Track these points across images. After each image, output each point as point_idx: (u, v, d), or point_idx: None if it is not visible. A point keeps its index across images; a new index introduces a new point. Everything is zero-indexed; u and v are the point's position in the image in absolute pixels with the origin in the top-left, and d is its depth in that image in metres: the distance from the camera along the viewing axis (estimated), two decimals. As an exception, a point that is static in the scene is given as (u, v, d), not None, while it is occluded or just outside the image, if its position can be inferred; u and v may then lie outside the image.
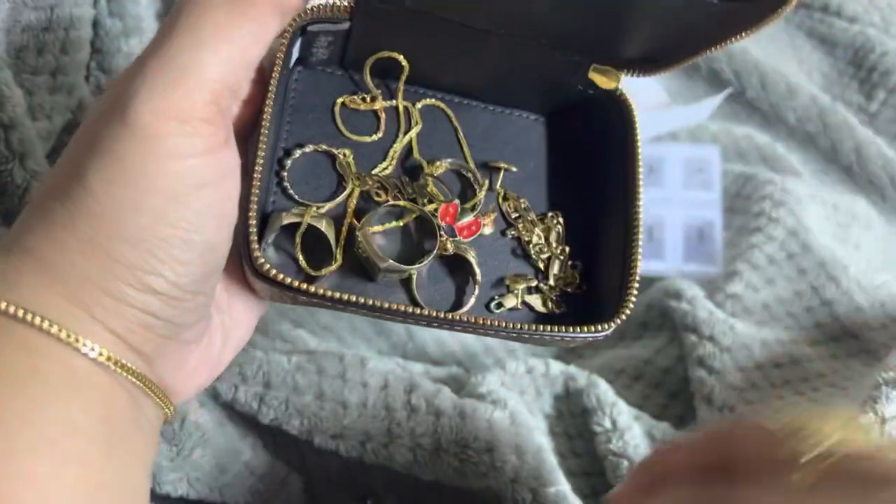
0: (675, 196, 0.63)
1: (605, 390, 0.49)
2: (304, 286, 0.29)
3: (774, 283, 0.57)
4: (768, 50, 0.70)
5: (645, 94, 0.65)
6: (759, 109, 0.69)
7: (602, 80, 0.33)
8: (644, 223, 0.32)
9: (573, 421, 0.49)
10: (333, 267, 0.31)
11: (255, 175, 0.28)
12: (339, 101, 0.34)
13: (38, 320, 0.24)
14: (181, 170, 0.25)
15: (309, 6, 0.30)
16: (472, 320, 0.30)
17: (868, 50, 0.70)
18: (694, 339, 0.53)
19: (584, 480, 0.45)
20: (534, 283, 0.34)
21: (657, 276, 0.60)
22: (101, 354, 0.25)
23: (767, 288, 0.57)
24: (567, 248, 0.35)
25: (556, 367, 0.50)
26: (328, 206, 0.32)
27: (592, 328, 0.31)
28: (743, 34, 0.29)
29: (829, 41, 0.72)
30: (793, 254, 0.57)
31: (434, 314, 0.30)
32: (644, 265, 0.65)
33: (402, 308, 0.29)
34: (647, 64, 0.32)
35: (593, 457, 0.47)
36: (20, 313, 0.24)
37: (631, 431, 0.47)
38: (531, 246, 0.34)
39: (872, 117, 0.69)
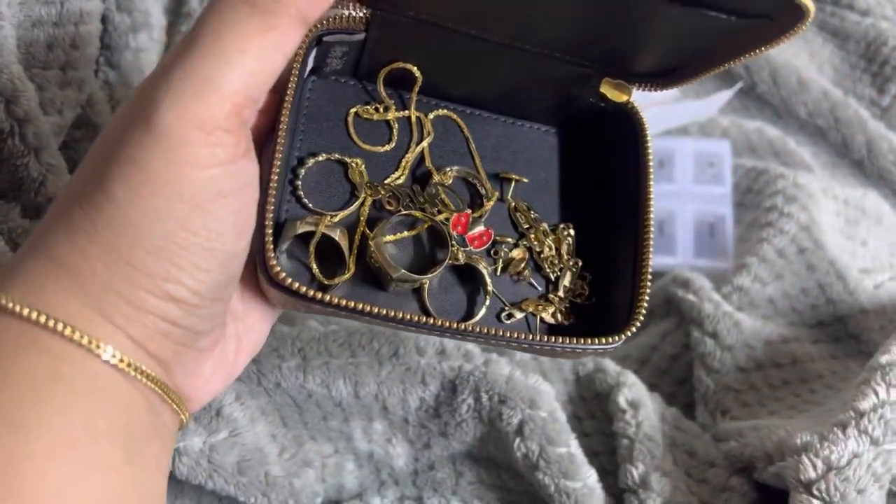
0: (685, 191, 0.63)
1: (612, 369, 0.49)
2: (318, 295, 0.29)
3: (783, 277, 0.57)
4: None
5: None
6: (771, 104, 0.69)
7: (614, 94, 0.33)
8: (654, 217, 0.32)
9: (583, 404, 0.50)
10: (346, 276, 0.31)
11: (271, 184, 0.29)
12: (353, 110, 0.34)
13: (59, 326, 0.25)
14: (203, 178, 0.25)
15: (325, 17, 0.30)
16: (483, 331, 0.30)
17: (880, 43, 0.69)
18: (697, 334, 0.53)
19: (594, 460, 0.46)
20: (544, 299, 0.34)
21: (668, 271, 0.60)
22: (121, 360, 0.26)
23: (775, 282, 0.56)
24: (579, 261, 0.35)
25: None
26: (341, 215, 0.32)
27: (603, 340, 0.31)
28: (759, 50, 0.28)
29: (840, 34, 0.71)
30: (804, 249, 0.57)
31: (445, 324, 0.30)
32: (654, 260, 0.65)
33: (414, 318, 0.30)
34: (659, 78, 0.32)
35: (604, 435, 0.48)
36: (42, 319, 0.24)
37: (645, 409, 0.47)
38: (542, 257, 0.34)
39: (884, 111, 0.69)
